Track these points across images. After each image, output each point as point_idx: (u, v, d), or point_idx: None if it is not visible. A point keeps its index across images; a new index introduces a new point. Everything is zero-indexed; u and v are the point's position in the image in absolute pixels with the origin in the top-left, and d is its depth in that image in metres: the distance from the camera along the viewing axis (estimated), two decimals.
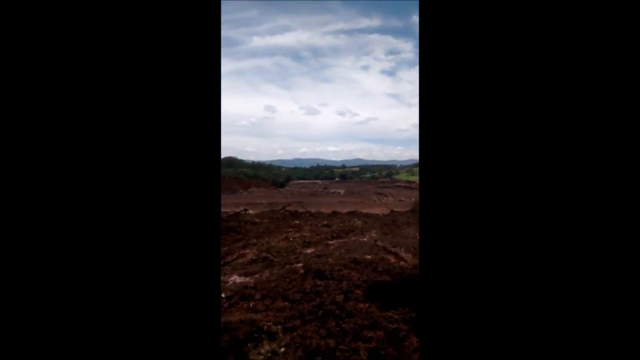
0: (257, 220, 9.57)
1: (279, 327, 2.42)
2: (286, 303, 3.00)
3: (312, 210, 12.12)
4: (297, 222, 9.53)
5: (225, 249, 5.88)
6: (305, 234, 7.17)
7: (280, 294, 3.23)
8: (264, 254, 5.34)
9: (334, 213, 12.19)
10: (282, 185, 38.71)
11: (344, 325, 2.43)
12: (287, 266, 4.33)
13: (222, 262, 5.00)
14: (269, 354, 2.11)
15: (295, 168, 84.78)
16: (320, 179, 59.38)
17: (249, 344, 2.16)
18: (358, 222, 8.45)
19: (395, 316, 2.42)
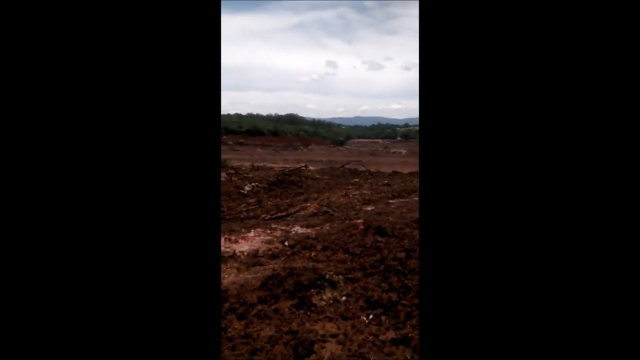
0: (317, 176, 9.75)
1: (341, 277, 2.47)
2: (347, 255, 3.03)
3: (372, 170, 11.95)
4: (356, 180, 9.48)
5: (287, 201, 6.11)
6: (365, 191, 7.13)
7: (340, 247, 3.28)
8: (324, 209, 5.45)
9: (395, 173, 11.85)
10: (341, 143, 38.55)
11: (406, 281, 2.40)
12: (347, 221, 4.36)
13: (285, 213, 5.22)
14: (331, 301, 2.17)
15: (356, 126, 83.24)
16: (381, 138, 57.70)
17: (312, 290, 2.24)
18: None
19: None
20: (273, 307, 2.03)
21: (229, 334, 1.83)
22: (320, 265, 2.80)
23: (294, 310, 2.04)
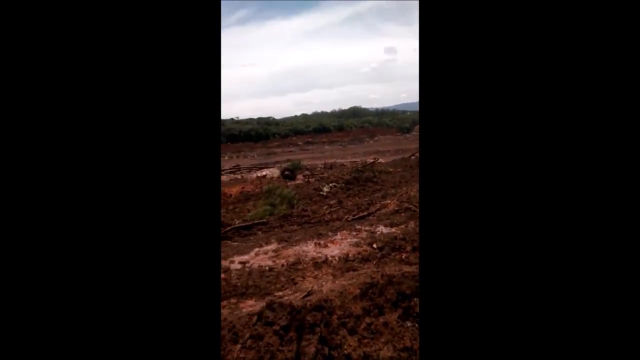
0: (390, 169, 9.55)
1: None
2: None
3: None
4: None
5: (366, 199, 6.11)
6: None
7: None
8: (405, 205, 5.32)
9: None
10: (407, 130, 37.11)
11: None
12: None
13: (366, 213, 5.23)
14: None
15: None
16: None
17: (414, 299, 2.21)
18: None
19: None
20: (381, 320, 2.05)
21: (345, 352, 1.85)
22: (413, 269, 2.74)
23: (401, 323, 2.04)
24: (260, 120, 38.50)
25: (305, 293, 2.70)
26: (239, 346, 1.77)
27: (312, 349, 1.72)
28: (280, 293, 2.83)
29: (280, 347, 1.76)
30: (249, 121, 38.08)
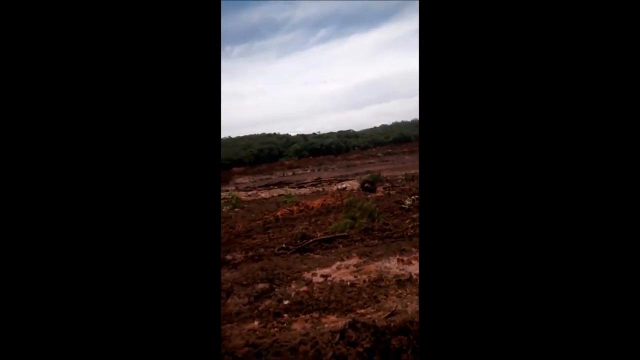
0: None
1: None
2: None
3: None
4: None
5: None
6: None
7: None
8: None
9: None
10: None
11: None
12: None
13: None
14: None
15: None
16: None
17: None
18: None
19: None
20: None
21: None
22: None
23: None
24: (340, 134, 39.30)
25: (389, 312, 2.58)
26: None
27: None
28: (362, 310, 2.76)
29: None
30: (330, 135, 39.16)
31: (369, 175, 11.25)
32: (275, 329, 2.56)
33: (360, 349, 1.82)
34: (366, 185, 10.02)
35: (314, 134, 39.92)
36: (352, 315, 2.61)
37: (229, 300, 3.21)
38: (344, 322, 2.43)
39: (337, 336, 1.99)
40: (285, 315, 2.82)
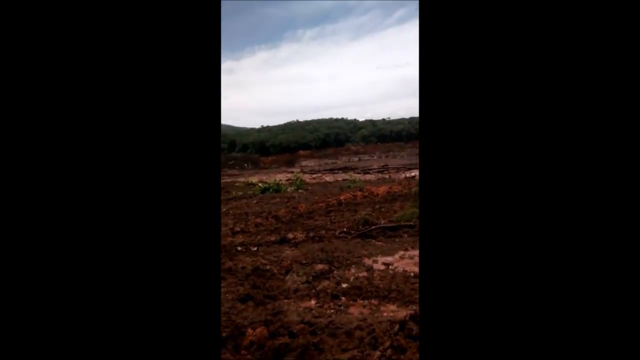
0: None
1: None
2: None
3: None
4: None
5: None
6: None
7: None
8: None
9: None
10: None
11: None
12: None
13: None
14: None
15: None
16: None
17: None
18: None
19: None
20: None
21: None
22: None
23: None
24: (411, 120, 37.61)
25: None
26: (378, 353, 1.65)
27: None
28: None
29: None
30: (401, 121, 37.77)
31: None
32: (332, 311, 2.50)
33: None
34: None
35: (384, 119, 38.87)
36: (414, 308, 2.44)
37: (288, 277, 3.25)
38: (404, 313, 2.28)
39: (397, 327, 1.85)
40: (343, 298, 2.75)
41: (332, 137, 33.68)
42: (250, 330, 1.98)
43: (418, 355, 1.61)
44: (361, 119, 39.82)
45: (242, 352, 1.80)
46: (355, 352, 1.69)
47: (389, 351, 1.65)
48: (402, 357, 1.60)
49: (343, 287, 2.97)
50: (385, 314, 2.42)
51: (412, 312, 2.03)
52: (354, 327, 2.02)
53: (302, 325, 2.07)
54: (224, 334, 1.96)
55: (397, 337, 1.74)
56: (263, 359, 1.66)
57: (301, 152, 29.60)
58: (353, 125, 37.51)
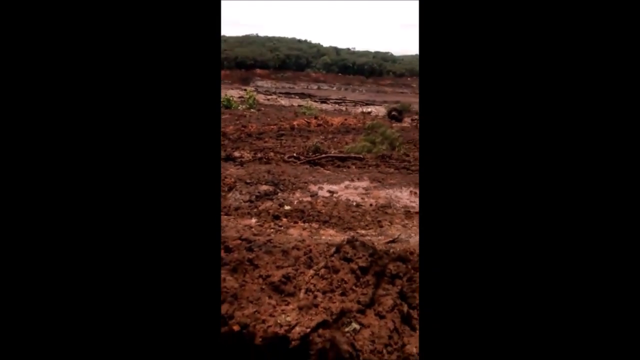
0: None
1: None
2: None
3: None
4: None
5: None
6: None
7: None
8: None
9: None
10: None
11: None
12: None
13: None
14: None
15: None
16: None
17: None
18: None
19: None
20: None
21: None
22: None
23: None
24: (376, 55, 36.42)
25: (391, 239, 2.47)
26: (311, 271, 1.68)
27: (389, 301, 1.52)
28: (363, 231, 2.67)
29: (354, 287, 1.60)
30: (365, 54, 36.39)
31: (398, 104, 10.59)
32: (272, 230, 2.50)
33: (355, 266, 1.72)
34: (393, 113, 9.48)
35: (348, 49, 37.13)
36: (352, 234, 2.52)
37: (230, 195, 3.15)
38: (343, 237, 2.35)
39: (333, 249, 1.89)
40: (284, 219, 2.75)
41: (293, 59, 31.68)
42: None
43: (349, 276, 1.67)
44: (325, 45, 37.60)
45: None
46: (289, 269, 1.70)
47: (322, 270, 1.68)
48: (334, 276, 1.65)
49: (286, 209, 2.96)
50: (323, 237, 2.48)
51: (350, 237, 2.07)
52: (292, 246, 2.03)
53: (239, 241, 2.03)
54: None
55: (332, 258, 1.78)
56: None
57: (258, 70, 27.69)
58: (316, 50, 35.41)
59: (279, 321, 1.25)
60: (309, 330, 1.22)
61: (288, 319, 1.25)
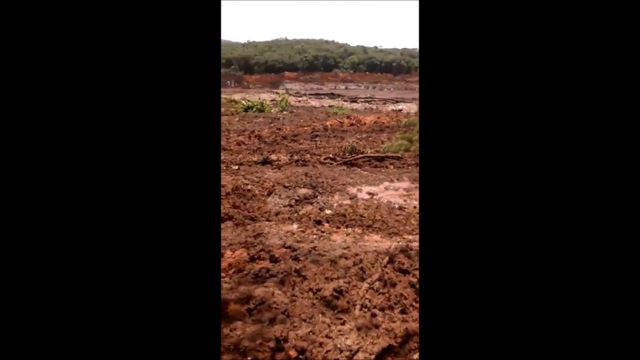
0: None
1: None
2: None
3: None
4: None
5: None
6: None
7: None
8: None
9: None
10: None
11: None
12: None
13: None
14: None
15: None
16: None
17: None
18: None
19: None
20: None
21: None
22: None
23: None
24: (404, 52, 35.61)
25: None
26: (365, 285, 1.54)
27: None
28: (409, 237, 2.50)
29: (414, 303, 1.45)
30: (392, 51, 35.71)
31: None
32: (315, 236, 2.39)
33: (413, 279, 1.56)
34: None
35: (376, 47, 36.59)
36: (398, 240, 2.36)
37: (269, 199, 3.09)
38: (389, 244, 2.20)
39: (386, 259, 1.74)
40: (326, 224, 2.64)
41: (321, 60, 31.69)
42: (229, 252, 1.82)
43: (408, 290, 1.52)
44: (352, 44, 37.26)
45: (221, 274, 1.66)
46: (340, 281, 1.58)
47: (377, 283, 1.54)
48: (391, 290, 1.50)
49: (327, 214, 2.85)
50: (368, 243, 2.34)
51: (401, 244, 1.92)
52: (339, 255, 1.91)
53: (283, 250, 1.94)
54: None
55: (387, 269, 1.64)
56: (242, 284, 1.52)
57: (287, 73, 27.97)
58: (343, 50, 35.19)
59: (337, 345, 1.14)
60: (373, 357, 1.09)
61: (347, 342, 1.13)
